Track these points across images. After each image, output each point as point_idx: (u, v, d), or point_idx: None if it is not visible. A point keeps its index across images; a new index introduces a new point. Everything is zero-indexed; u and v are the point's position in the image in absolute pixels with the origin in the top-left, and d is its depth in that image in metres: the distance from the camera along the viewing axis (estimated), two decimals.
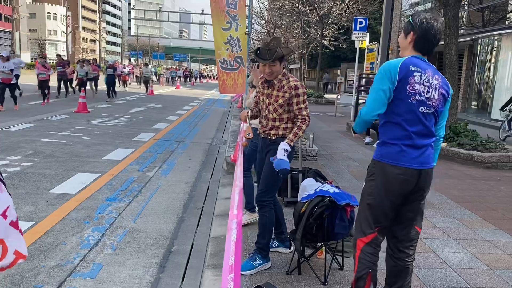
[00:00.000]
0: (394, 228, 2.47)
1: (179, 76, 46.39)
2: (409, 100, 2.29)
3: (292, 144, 3.19)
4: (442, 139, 2.56)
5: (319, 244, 3.29)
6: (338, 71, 35.93)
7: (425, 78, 2.32)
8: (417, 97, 2.30)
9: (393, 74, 2.28)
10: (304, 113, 3.24)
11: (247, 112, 3.43)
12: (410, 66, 2.30)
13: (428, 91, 2.32)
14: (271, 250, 3.61)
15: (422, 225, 4.38)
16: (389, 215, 2.40)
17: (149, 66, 31.03)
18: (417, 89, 2.29)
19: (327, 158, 7.79)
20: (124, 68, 29.01)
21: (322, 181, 4.13)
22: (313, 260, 3.39)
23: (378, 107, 2.34)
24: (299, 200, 3.39)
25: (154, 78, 33.00)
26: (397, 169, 2.31)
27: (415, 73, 2.30)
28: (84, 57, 40.96)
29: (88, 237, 3.98)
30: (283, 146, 3.11)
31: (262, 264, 3.29)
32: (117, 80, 28.05)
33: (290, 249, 3.61)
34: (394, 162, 2.32)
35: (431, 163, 2.39)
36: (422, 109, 2.32)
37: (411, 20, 2.39)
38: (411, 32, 2.37)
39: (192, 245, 4.00)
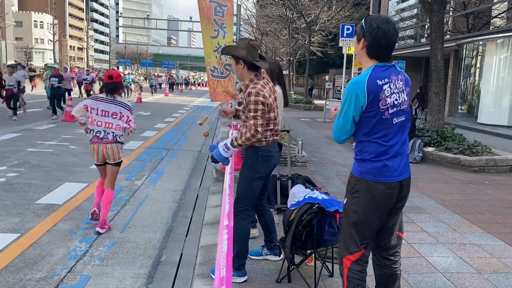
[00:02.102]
0: (377, 238, 2.44)
1: (160, 84, 42.05)
2: (383, 116, 2.23)
3: (235, 143, 3.10)
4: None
5: (308, 251, 3.28)
6: (326, 77, 36.15)
7: (393, 86, 2.25)
8: (390, 111, 2.24)
9: (361, 95, 2.19)
10: (250, 122, 3.05)
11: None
12: (378, 81, 2.21)
13: (399, 97, 2.27)
14: (261, 258, 3.60)
15: (411, 230, 4.42)
16: (375, 230, 2.36)
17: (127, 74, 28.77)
18: (388, 102, 2.22)
19: (316, 164, 7.80)
20: (87, 74, 23.16)
21: (311, 188, 4.13)
22: (303, 268, 3.38)
23: (346, 132, 2.31)
24: (288, 207, 3.38)
25: (133, 86, 29.61)
26: (382, 184, 2.25)
27: (384, 87, 2.21)
28: (17, 61, 33.64)
29: (75, 248, 3.92)
30: (226, 141, 3.14)
31: (233, 277, 3.13)
32: (77, 90, 24.71)
33: (280, 256, 3.58)
34: (378, 179, 2.25)
35: (409, 171, 2.37)
36: (395, 120, 2.27)
37: (363, 24, 2.27)
38: (363, 39, 2.26)
39: (181, 254, 3.96)
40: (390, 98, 2.23)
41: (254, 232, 4.12)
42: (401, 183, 2.31)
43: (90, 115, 4.26)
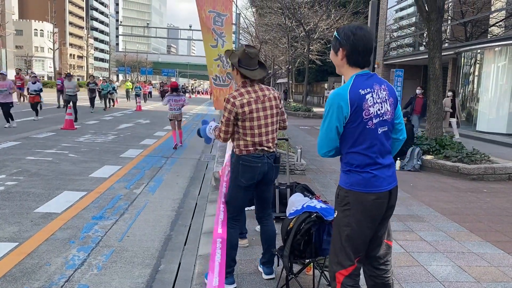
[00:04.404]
0: (367, 249, 2.40)
1: (150, 92, 36.25)
2: (367, 126, 2.21)
3: (214, 134, 3.30)
4: (402, 141, 2.51)
5: (307, 260, 3.27)
6: (325, 85, 36.27)
7: (376, 96, 2.23)
8: (374, 120, 2.22)
9: (345, 106, 2.17)
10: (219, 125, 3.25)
11: None
12: (360, 91, 2.19)
13: (382, 107, 2.25)
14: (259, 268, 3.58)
15: (410, 239, 4.41)
16: (367, 242, 2.33)
17: (96, 79, 22.93)
18: (372, 112, 2.21)
19: (315, 172, 7.80)
20: (33, 83, 15.91)
21: (310, 196, 4.12)
22: (302, 277, 3.37)
23: (330, 144, 2.28)
24: (286, 215, 3.38)
25: (115, 96, 25.40)
26: (372, 195, 2.23)
27: (366, 96, 2.20)
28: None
29: (73, 257, 3.91)
30: (214, 125, 3.34)
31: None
32: (18, 101, 20.51)
33: (271, 275, 3.45)
34: (368, 190, 2.23)
35: (396, 180, 2.36)
36: (380, 130, 2.25)
37: (337, 36, 2.28)
38: (340, 49, 2.27)
39: (180, 263, 3.95)
40: (373, 107, 2.22)
41: (243, 242, 4.09)
42: (390, 192, 2.30)
43: (170, 102, 10.18)
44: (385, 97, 2.28)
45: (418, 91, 13.86)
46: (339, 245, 2.32)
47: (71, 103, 14.90)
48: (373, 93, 2.23)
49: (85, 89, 26.42)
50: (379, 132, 2.25)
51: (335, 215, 2.38)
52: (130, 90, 34.10)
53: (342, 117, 2.20)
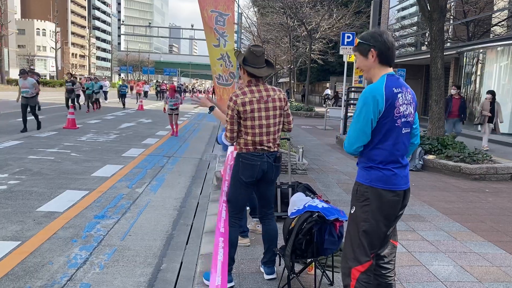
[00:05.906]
0: None
1: (146, 92, 33.56)
2: (396, 124, 2.28)
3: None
4: (416, 146, 2.57)
5: (309, 260, 3.28)
6: (327, 85, 36.26)
7: (404, 97, 2.32)
8: (402, 119, 2.30)
9: (380, 101, 2.23)
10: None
11: None
12: (394, 89, 2.27)
13: (407, 108, 2.33)
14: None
15: (411, 238, 4.42)
16: (382, 238, 2.37)
17: (78, 77, 20.15)
18: (401, 111, 2.29)
19: (317, 172, 7.80)
20: None
21: (312, 196, 4.13)
22: (303, 276, 3.38)
23: (363, 139, 2.31)
24: (288, 215, 3.38)
25: (100, 96, 22.41)
26: (391, 192, 2.29)
27: (398, 95, 2.28)
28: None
29: (75, 256, 3.92)
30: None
31: None
32: None
33: (271, 275, 3.43)
34: (388, 187, 2.28)
35: (409, 182, 2.42)
36: (404, 130, 2.33)
37: (362, 41, 2.36)
38: (371, 49, 2.33)
39: (181, 262, 3.96)
40: (402, 107, 2.30)
41: (245, 241, 4.09)
42: (405, 192, 2.36)
43: (167, 100, 13.05)
44: (410, 100, 2.36)
45: (453, 91, 11.99)
46: (357, 241, 2.35)
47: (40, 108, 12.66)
48: (402, 94, 2.31)
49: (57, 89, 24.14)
50: (403, 132, 2.33)
51: (352, 211, 2.41)
52: None
53: (377, 111, 2.25)
